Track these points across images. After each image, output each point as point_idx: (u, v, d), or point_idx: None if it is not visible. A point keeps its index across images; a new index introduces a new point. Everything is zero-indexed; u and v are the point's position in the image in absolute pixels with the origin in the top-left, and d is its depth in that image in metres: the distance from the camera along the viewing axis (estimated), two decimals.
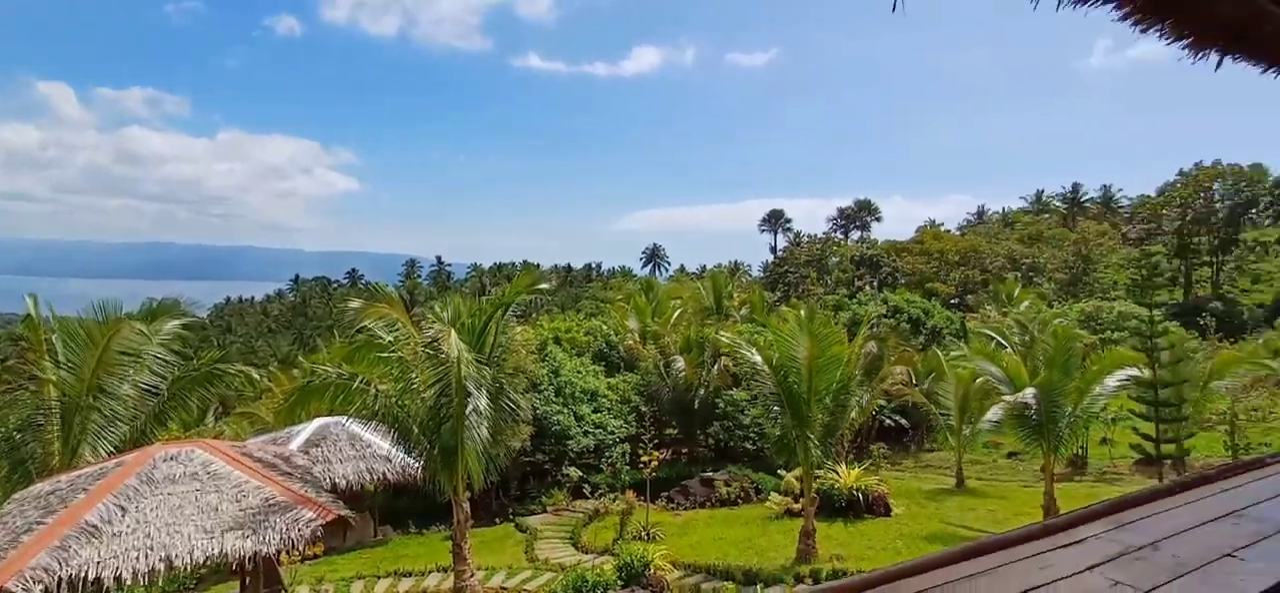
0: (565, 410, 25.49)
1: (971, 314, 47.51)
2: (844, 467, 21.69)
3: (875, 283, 69.79)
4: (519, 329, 17.64)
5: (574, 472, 24.78)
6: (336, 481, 18.56)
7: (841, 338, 21.23)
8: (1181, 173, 67.44)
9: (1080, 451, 26.04)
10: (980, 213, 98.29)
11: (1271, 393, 26.01)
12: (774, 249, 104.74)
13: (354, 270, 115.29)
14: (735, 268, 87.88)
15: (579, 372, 28.14)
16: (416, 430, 13.75)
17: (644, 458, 21.54)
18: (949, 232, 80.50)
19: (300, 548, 12.23)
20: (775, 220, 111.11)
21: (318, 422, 20.21)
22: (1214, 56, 5.86)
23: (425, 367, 13.51)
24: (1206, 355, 26.56)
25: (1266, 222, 65.05)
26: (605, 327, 37.01)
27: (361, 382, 13.54)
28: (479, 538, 20.38)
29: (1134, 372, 21.01)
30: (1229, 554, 2.66)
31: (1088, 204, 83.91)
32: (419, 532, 22.08)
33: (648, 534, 19.40)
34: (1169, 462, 21.21)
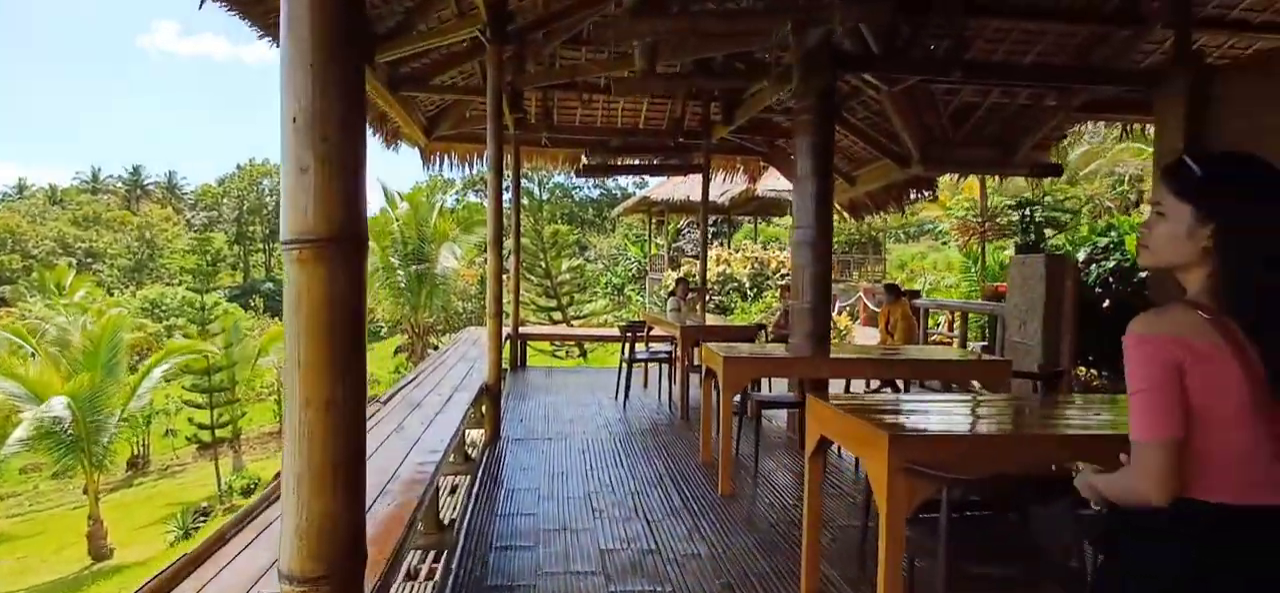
0: None
1: (10, 309, 36.85)
2: None
3: None
4: None
5: None
6: None
7: None
8: (240, 167, 71.11)
9: (142, 449, 23.08)
10: (21, 188, 78.70)
11: None
12: None
13: None
14: None
15: None
16: None
17: None
18: None
19: None
20: None
21: None
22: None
23: None
24: (260, 332, 27.78)
25: None
26: None
27: None
28: None
29: (188, 359, 19.65)
30: None
31: (151, 188, 78.49)
32: None
33: None
34: (227, 442, 20.91)
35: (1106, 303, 7.15)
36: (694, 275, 10.58)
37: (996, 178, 11.37)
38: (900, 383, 5.49)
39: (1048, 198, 16.33)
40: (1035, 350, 5.90)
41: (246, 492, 17.66)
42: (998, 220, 15.10)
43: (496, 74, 5.50)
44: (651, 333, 7.93)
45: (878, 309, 15.51)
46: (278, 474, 4.04)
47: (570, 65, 7.94)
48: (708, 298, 14.52)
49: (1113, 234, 7.65)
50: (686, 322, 7.10)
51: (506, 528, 3.84)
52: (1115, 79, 6.28)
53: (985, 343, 8.31)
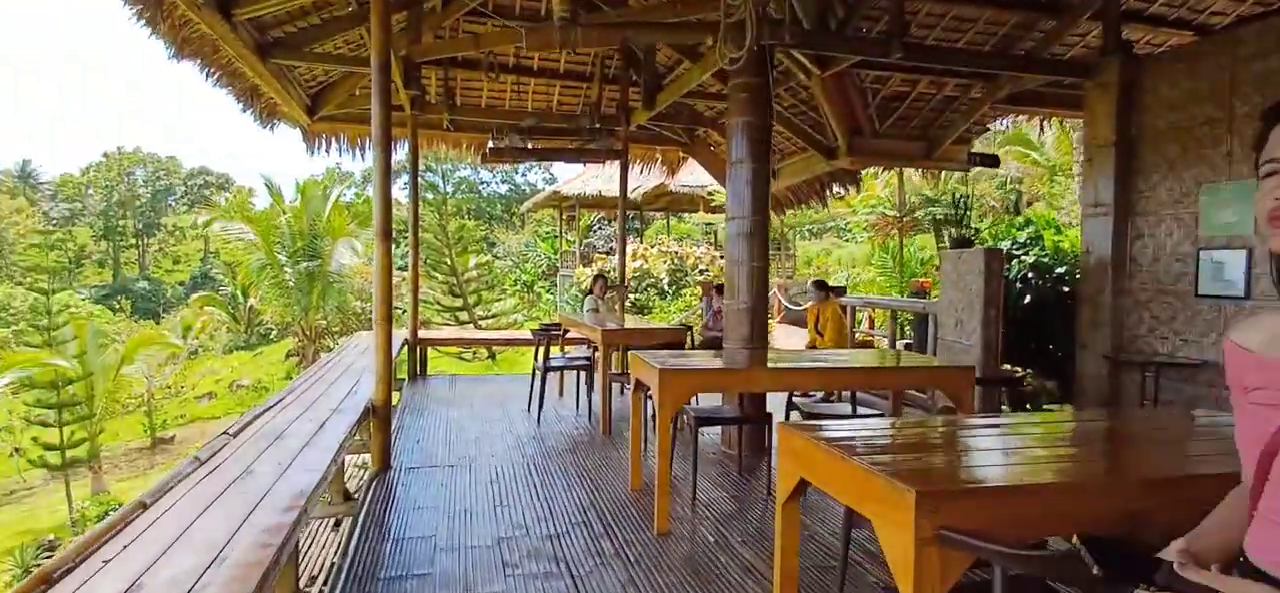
0: None
1: None
2: None
3: None
4: None
5: None
6: None
7: None
8: (106, 155, 63.80)
9: None
10: None
11: (185, 365, 26.44)
12: None
13: None
14: None
15: None
16: None
17: None
18: None
19: None
20: None
21: None
22: None
23: None
24: (125, 337, 24.62)
25: (183, 209, 68.84)
26: None
27: None
28: None
29: (33, 371, 16.99)
30: None
31: (0, 178, 69.27)
32: None
33: None
34: (84, 462, 18.20)
35: (1027, 299, 6.99)
36: (612, 272, 9.84)
37: (916, 172, 11.26)
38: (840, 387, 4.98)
39: (944, 196, 16.72)
40: (973, 351, 5.55)
41: (104, 517, 15.35)
42: (916, 215, 15.24)
43: (382, 32, 4.52)
44: (568, 336, 7.11)
45: (794, 307, 15.33)
46: (137, 498, 2.85)
47: (473, 34, 6.99)
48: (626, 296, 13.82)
49: (1031, 229, 7.53)
50: (607, 324, 6.34)
51: None
52: (1051, 68, 6.05)
53: (908, 342, 8.05)
